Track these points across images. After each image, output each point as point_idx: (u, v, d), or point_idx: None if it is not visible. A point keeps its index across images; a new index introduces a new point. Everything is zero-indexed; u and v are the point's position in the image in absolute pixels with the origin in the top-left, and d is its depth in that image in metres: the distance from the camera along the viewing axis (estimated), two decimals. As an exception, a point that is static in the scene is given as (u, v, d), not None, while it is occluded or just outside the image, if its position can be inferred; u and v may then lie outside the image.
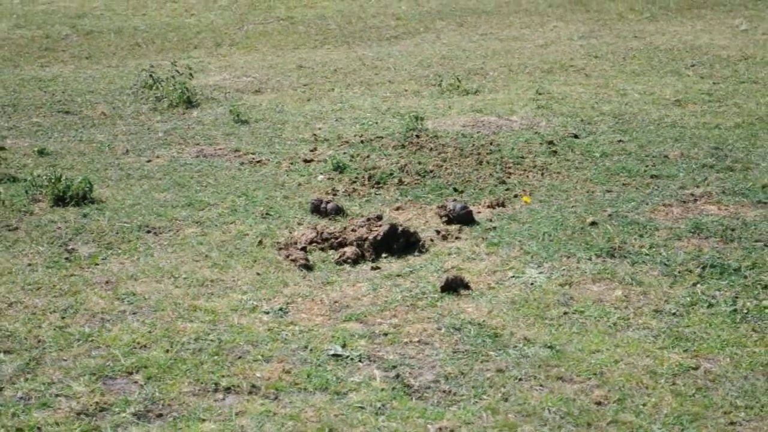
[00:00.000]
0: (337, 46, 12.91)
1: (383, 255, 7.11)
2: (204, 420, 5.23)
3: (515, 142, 9.29)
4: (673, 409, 5.32)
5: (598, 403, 5.37)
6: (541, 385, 5.53)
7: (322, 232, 7.36)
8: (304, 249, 7.18)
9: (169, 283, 6.73)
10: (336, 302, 6.50)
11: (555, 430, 5.15)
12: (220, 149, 9.31)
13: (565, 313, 6.33)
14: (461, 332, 6.10)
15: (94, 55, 12.73)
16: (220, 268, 6.97)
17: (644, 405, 5.36)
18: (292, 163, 8.92)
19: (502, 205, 8.00)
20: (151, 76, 11.17)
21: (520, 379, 5.58)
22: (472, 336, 6.05)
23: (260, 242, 7.37)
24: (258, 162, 9.00)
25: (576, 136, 9.45)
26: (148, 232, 7.61)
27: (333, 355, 5.84)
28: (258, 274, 6.88)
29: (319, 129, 9.80)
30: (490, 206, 7.97)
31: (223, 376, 5.61)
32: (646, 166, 8.72)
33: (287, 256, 7.10)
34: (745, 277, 6.78)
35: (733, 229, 7.49)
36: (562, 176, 8.55)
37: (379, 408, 5.33)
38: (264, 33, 13.61)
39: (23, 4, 15.67)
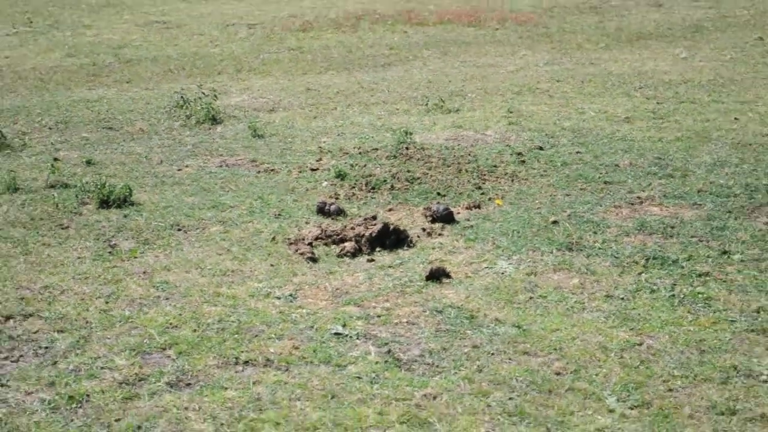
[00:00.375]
0: (339, 71, 12.89)
1: (377, 249, 7.15)
2: (226, 388, 5.26)
3: (489, 154, 9.30)
4: (620, 378, 5.35)
5: (558, 374, 5.40)
6: (509, 359, 5.56)
7: (325, 230, 7.39)
8: (310, 244, 7.21)
9: (196, 273, 6.76)
10: (337, 289, 6.53)
11: (522, 396, 5.18)
12: (240, 159, 9.34)
13: (531, 298, 6.36)
14: (443, 314, 6.13)
15: (133, 79, 12.72)
16: (239, 261, 7.01)
17: (596, 375, 5.39)
18: (300, 172, 8.94)
19: (478, 207, 8.04)
20: (181, 97, 11.20)
21: (492, 354, 5.61)
22: (452, 317, 6.08)
23: (273, 238, 7.40)
24: (272, 170, 9.03)
25: (541, 148, 9.47)
26: (179, 230, 7.64)
27: (335, 333, 5.88)
28: (271, 265, 6.92)
29: (324, 142, 9.81)
30: (468, 208, 8.01)
31: (242, 352, 5.65)
32: (600, 173, 8.75)
33: (296, 250, 7.13)
34: (682, 267, 6.80)
35: (672, 227, 7.52)
36: (529, 182, 8.57)
37: (374, 378, 5.37)
38: (277, 61, 13.60)
39: (73, 36, 15.63)
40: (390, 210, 7.96)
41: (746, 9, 16.88)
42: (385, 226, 7.27)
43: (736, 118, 10.46)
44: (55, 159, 9.11)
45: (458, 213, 7.86)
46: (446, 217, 7.71)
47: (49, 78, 12.86)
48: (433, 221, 7.68)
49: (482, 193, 8.33)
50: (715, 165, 8.90)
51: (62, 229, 7.68)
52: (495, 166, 8.96)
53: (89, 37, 15.56)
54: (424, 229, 7.54)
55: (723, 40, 14.51)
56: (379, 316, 6.14)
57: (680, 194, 8.21)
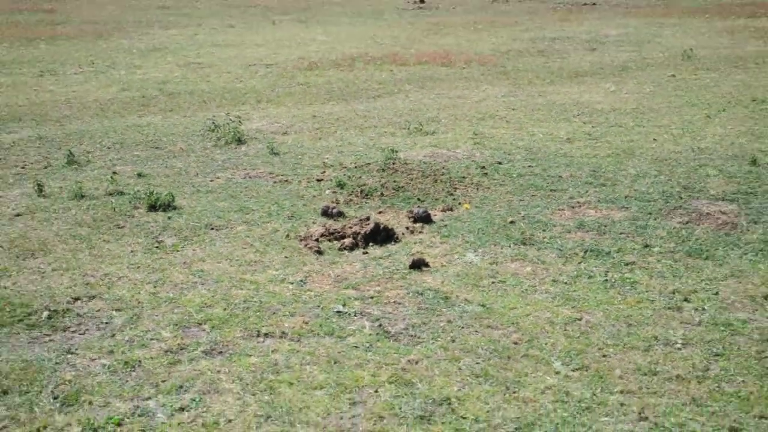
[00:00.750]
0: (339, 102, 12.87)
1: (370, 244, 7.12)
2: (250, 355, 5.27)
3: (459, 167, 9.28)
4: (564, 347, 5.35)
5: (515, 343, 5.40)
6: (476, 331, 5.56)
7: (329, 229, 7.37)
8: (317, 240, 7.19)
9: (226, 263, 6.73)
10: (338, 276, 6.51)
11: (486, 361, 5.18)
12: (260, 172, 9.31)
13: (493, 282, 6.35)
14: (423, 296, 6.12)
15: (174, 109, 12.69)
16: (260, 253, 6.98)
17: (545, 344, 5.39)
18: (308, 182, 8.91)
19: (451, 209, 8.01)
20: (213, 123, 11.16)
21: (463, 327, 5.61)
22: (430, 298, 6.07)
23: (287, 235, 7.37)
24: (285, 181, 9.00)
25: (500, 163, 9.45)
26: (212, 229, 7.61)
27: (337, 311, 5.87)
28: (285, 257, 6.90)
29: (327, 158, 9.78)
30: (443, 210, 7.98)
31: (262, 326, 5.66)
32: (547, 183, 8.73)
33: (305, 245, 7.11)
34: (613, 258, 6.80)
35: (605, 225, 7.51)
36: (491, 190, 8.55)
37: (368, 347, 5.37)
38: (289, 93, 13.57)
39: (127, 74, 15.62)
40: (380, 212, 7.93)
41: (662, 53, 16.90)
42: (377, 225, 7.26)
43: (654, 139, 10.45)
44: (113, 172, 9.11)
45: (435, 215, 7.84)
46: (425, 218, 7.69)
47: (107, 108, 12.84)
48: (415, 221, 7.65)
49: (454, 199, 8.29)
50: (638, 176, 8.89)
51: (119, 228, 7.66)
52: (463, 177, 8.93)
53: (139, 75, 15.52)
54: (407, 228, 7.52)
55: (644, 77, 14.51)
56: (372, 297, 6.12)
57: (611, 199, 8.21)
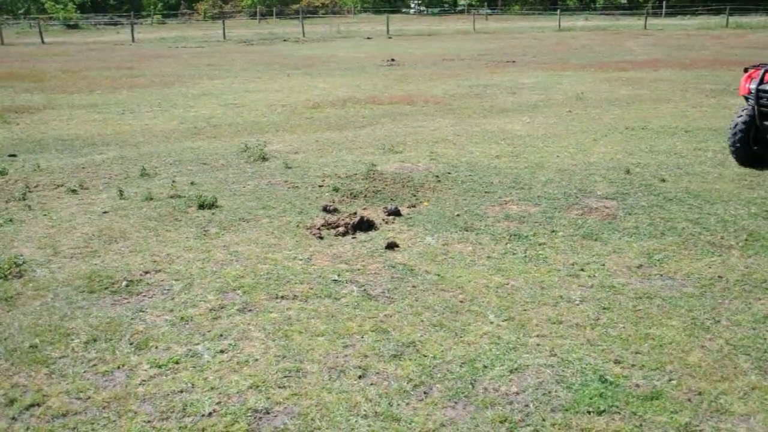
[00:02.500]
0: (334, 131, 12.77)
1: (357, 232, 7.02)
2: (271, 312, 5.21)
3: (420, 176, 9.20)
4: (496, 304, 5.30)
5: (461, 302, 5.36)
6: (433, 293, 5.51)
7: (327, 221, 7.26)
8: (318, 229, 7.08)
9: (254, 246, 6.64)
10: (334, 254, 6.44)
11: (441, 315, 5.13)
12: (278, 181, 9.21)
13: (445, 258, 6.30)
14: (395, 268, 6.07)
15: (217, 136, 12.58)
16: (278, 239, 6.89)
17: (483, 302, 5.34)
18: (312, 187, 8.80)
19: (414, 206, 7.90)
20: (245, 145, 11.06)
21: (423, 291, 5.56)
22: (400, 270, 6.03)
23: (297, 226, 7.26)
24: (296, 187, 8.88)
25: (449, 173, 9.37)
26: (243, 221, 7.50)
27: (333, 280, 5.81)
28: (296, 241, 6.81)
29: (326, 170, 9.67)
30: (409, 207, 7.87)
31: (280, 291, 5.59)
32: (482, 187, 8.65)
33: (310, 232, 7.02)
34: (530, 240, 6.75)
35: (524, 217, 7.44)
36: (443, 192, 8.47)
37: (356, 305, 5.31)
38: (299, 125, 13.47)
39: (184, 112, 15.50)
40: (364, 209, 7.83)
41: (561, 95, 16.88)
42: (361, 218, 7.17)
43: (557, 156, 10.39)
44: (173, 181, 8.97)
45: (403, 210, 7.74)
46: (396, 213, 7.59)
47: (170, 136, 12.72)
48: (389, 215, 7.55)
49: (416, 199, 8.20)
50: (546, 182, 8.82)
51: (177, 221, 7.56)
52: (423, 183, 8.84)
53: (192, 112, 15.40)
54: (383, 220, 7.42)
55: (549, 112, 14.47)
56: (358, 269, 6.06)
57: (527, 198, 8.14)
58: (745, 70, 9.38)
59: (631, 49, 30.03)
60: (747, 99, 9.25)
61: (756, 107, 9.08)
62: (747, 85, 9.20)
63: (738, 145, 9.34)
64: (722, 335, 4.80)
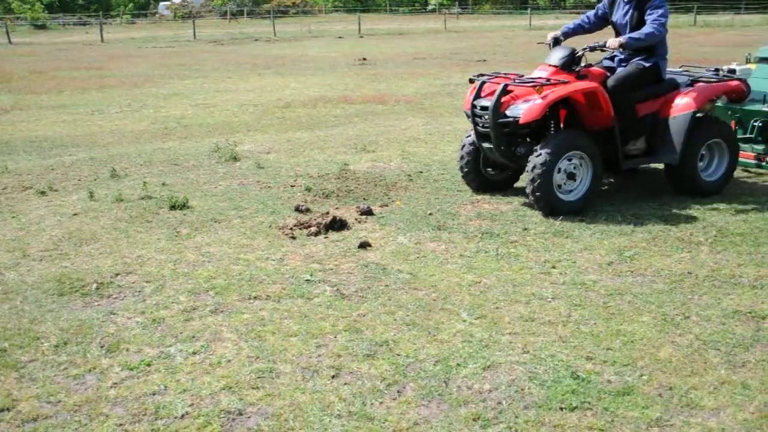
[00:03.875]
0: (306, 130, 12.75)
1: (329, 231, 7.01)
2: (244, 313, 5.20)
3: (392, 175, 9.20)
4: (469, 302, 5.33)
5: (434, 300, 5.37)
6: (406, 292, 5.52)
7: (299, 220, 7.25)
8: (291, 229, 7.06)
9: (226, 247, 6.60)
10: (307, 254, 6.43)
11: (414, 314, 5.13)
12: (250, 181, 9.17)
13: (417, 257, 6.31)
14: (368, 267, 6.08)
15: (188, 136, 12.50)
16: (250, 239, 6.87)
17: (456, 300, 5.36)
18: (285, 187, 8.78)
19: (387, 205, 7.90)
20: (216, 146, 10.99)
21: (396, 290, 5.57)
22: (373, 269, 6.03)
23: (270, 226, 7.24)
24: (269, 187, 8.85)
25: (421, 172, 9.38)
26: (215, 222, 7.46)
27: (306, 280, 5.81)
28: (269, 241, 6.79)
29: (298, 170, 9.64)
30: (381, 206, 7.86)
31: (252, 291, 5.58)
32: (455, 186, 8.66)
33: (283, 232, 7.00)
34: (502, 238, 6.78)
35: (496, 215, 7.47)
36: (415, 191, 8.48)
37: (329, 305, 5.31)
38: (271, 124, 13.42)
39: (154, 112, 15.41)
40: (336, 208, 7.81)
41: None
42: (334, 218, 7.16)
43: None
44: (144, 182, 8.89)
45: (375, 209, 7.74)
46: (368, 212, 7.58)
47: (140, 136, 12.62)
48: (361, 214, 7.54)
49: (389, 198, 8.21)
50: (519, 180, 8.83)
51: (148, 222, 7.51)
52: (395, 182, 8.85)
53: (163, 113, 15.30)
54: (356, 219, 7.41)
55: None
56: (331, 269, 6.04)
57: (499, 197, 8.17)
58: (471, 81, 7.84)
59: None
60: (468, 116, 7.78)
61: (473, 126, 7.67)
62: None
63: (466, 169, 8.08)
64: (692, 330, 4.85)
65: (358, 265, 6.12)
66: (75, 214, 7.86)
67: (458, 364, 4.44)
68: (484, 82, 7.62)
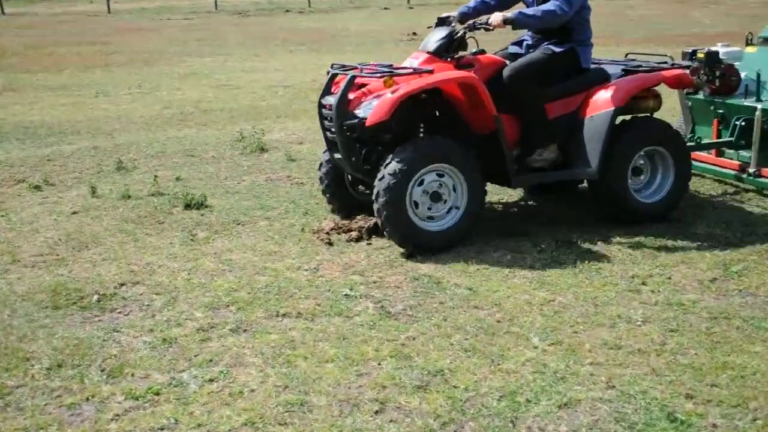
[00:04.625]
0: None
1: (373, 236, 6.96)
2: (270, 333, 5.20)
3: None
4: (541, 324, 5.26)
5: (498, 321, 5.31)
6: (464, 311, 5.48)
7: (338, 223, 7.22)
8: (327, 233, 7.03)
9: (250, 253, 6.61)
10: (346, 264, 6.41)
11: (474, 338, 5.07)
12: (279, 176, 9.21)
13: (478, 268, 6.28)
14: (418, 281, 6.05)
15: (207, 123, 12.62)
16: (279, 245, 6.88)
17: (524, 322, 5.30)
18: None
19: (441, 207, 7.84)
20: (240, 134, 11.05)
21: (453, 308, 5.53)
22: (425, 283, 5.99)
23: (302, 229, 7.23)
24: (301, 183, 8.88)
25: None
26: (238, 224, 7.49)
27: (345, 294, 5.79)
28: (301, 248, 6.79)
29: (336, 164, 9.64)
30: (434, 208, 7.81)
31: (281, 307, 5.59)
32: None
33: (318, 237, 6.99)
34: (581, 246, 6.72)
35: (572, 220, 7.34)
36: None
37: (372, 325, 5.29)
38: (303, 110, 13.46)
39: (168, 95, 15.56)
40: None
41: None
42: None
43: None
44: (155, 176, 8.94)
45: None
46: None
47: (151, 123, 12.77)
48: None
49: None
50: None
51: (159, 223, 7.55)
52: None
53: (179, 95, 15.45)
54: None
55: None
56: (374, 282, 6.01)
57: (578, 196, 8.05)
58: (333, 77, 7.12)
59: (698, 21, 29.87)
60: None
61: (322, 132, 7.23)
62: None
63: (328, 194, 7.60)
64: (816, 364, 4.70)
65: (407, 278, 6.06)
66: (74, 213, 7.91)
67: (528, 400, 4.34)
68: (336, 74, 6.98)
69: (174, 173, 9.38)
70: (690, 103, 8.63)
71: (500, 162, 6.70)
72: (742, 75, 8.12)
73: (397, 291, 5.83)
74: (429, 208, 6.56)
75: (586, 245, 6.73)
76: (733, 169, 8.09)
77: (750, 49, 8.54)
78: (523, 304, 5.55)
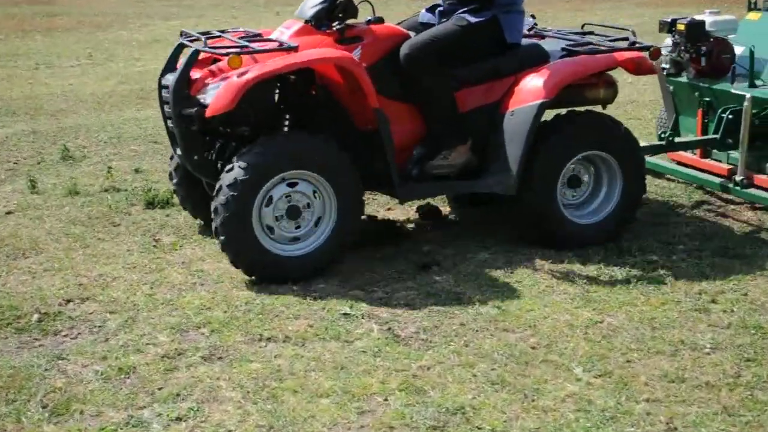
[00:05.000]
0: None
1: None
2: (252, 361, 5.23)
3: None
4: (585, 351, 5.29)
5: (533, 348, 5.34)
6: (491, 335, 5.51)
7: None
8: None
9: (227, 263, 6.61)
10: (345, 276, 6.43)
11: (502, 367, 5.10)
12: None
13: (508, 282, 6.29)
14: (434, 297, 6.07)
15: (174, 102, 12.62)
16: (262, 253, 6.87)
17: (565, 348, 5.32)
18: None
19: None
20: (214, 116, 11.07)
21: (477, 330, 5.56)
22: (443, 300, 6.02)
23: (291, 235, 7.24)
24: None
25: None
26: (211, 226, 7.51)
27: (343, 314, 5.82)
28: (289, 256, 6.79)
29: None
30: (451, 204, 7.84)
31: (265, 329, 5.63)
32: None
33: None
34: (635, 255, 6.83)
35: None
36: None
37: (377, 352, 5.32)
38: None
39: (125, 67, 15.62)
40: (389, 208, 7.80)
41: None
42: (386, 222, 7.16)
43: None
44: (109, 168, 8.96)
45: (444, 209, 7.73)
46: (434, 213, 7.55)
47: (104, 101, 12.81)
48: (424, 217, 7.51)
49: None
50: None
51: (114, 226, 7.57)
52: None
53: (138, 67, 15.50)
54: (416, 224, 7.42)
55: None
56: (381, 298, 6.03)
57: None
58: (180, 49, 6.94)
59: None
60: None
61: (163, 119, 6.83)
62: None
63: (182, 193, 7.31)
64: None
65: (420, 294, 6.07)
66: (9, 213, 7.94)
67: (570, 445, 4.37)
68: (182, 45, 6.73)
69: (132, 164, 9.40)
70: (672, 88, 8.01)
71: (382, 165, 6.30)
72: (739, 51, 7.44)
73: (408, 310, 5.83)
74: (285, 226, 6.21)
75: (642, 253, 6.73)
76: (718, 175, 7.58)
77: (752, 16, 7.97)
78: (563, 327, 5.55)
